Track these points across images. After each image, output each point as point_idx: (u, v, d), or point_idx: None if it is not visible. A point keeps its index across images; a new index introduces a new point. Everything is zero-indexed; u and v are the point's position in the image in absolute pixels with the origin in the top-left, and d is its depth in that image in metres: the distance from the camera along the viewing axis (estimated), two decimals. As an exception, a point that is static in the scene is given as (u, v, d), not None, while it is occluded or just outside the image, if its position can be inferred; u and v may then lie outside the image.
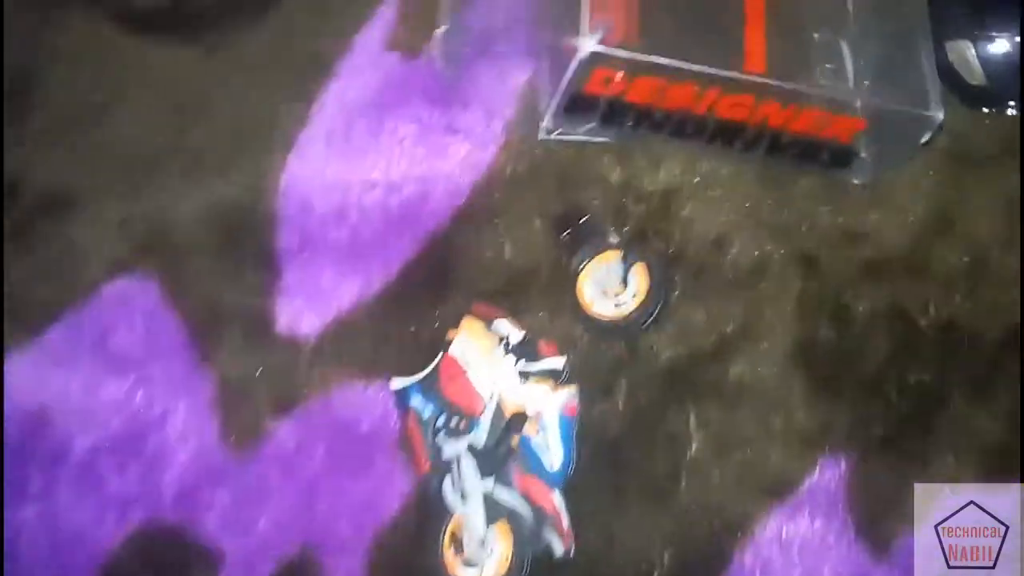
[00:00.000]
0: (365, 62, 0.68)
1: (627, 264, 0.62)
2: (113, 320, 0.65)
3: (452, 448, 0.58)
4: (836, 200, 0.65)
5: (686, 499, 0.60)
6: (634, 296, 0.61)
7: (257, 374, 0.63)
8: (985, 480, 0.61)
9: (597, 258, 0.62)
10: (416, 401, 0.59)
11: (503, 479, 0.58)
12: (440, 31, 0.60)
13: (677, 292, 0.63)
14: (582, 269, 0.62)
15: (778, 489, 0.60)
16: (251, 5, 0.70)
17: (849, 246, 0.65)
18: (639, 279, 0.62)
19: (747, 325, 0.62)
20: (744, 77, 0.59)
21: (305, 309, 0.64)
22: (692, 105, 0.61)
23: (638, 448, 0.61)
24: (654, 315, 0.61)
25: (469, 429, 0.58)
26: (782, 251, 0.64)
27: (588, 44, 0.56)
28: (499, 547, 0.57)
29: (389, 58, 0.68)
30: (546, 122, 0.64)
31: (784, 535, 0.59)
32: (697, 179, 0.65)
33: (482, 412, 0.58)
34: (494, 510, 0.58)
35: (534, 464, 0.58)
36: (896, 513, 0.60)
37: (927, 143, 0.62)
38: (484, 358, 0.59)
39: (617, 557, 0.60)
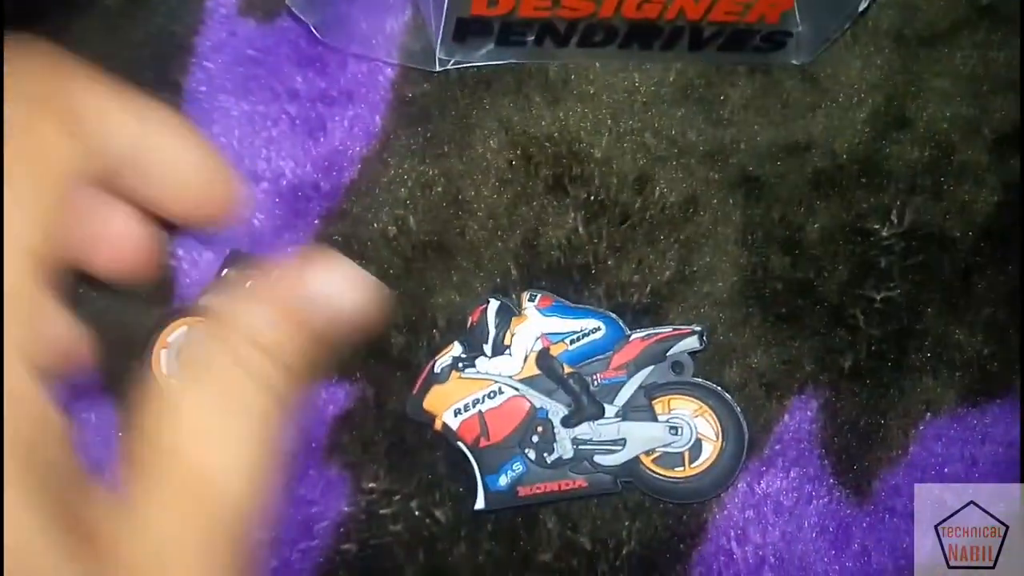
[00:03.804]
0: (224, 35, 0.60)
1: None
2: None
3: (563, 441, 0.52)
4: (774, 111, 0.57)
5: (645, 471, 0.55)
6: None
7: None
8: (969, 398, 0.55)
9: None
10: (508, 478, 0.52)
11: (611, 395, 0.51)
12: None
13: (604, 246, 0.56)
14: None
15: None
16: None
17: (794, 159, 0.57)
18: None
19: (684, 269, 0.56)
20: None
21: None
22: (595, 11, 0.53)
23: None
24: None
25: (546, 425, 0.52)
26: (717, 177, 0.57)
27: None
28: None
29: (246, 26, 0.60)
30: (439, 52, 0.56)
31: (758, 493, 0.53)
32: (610, 110, 0.57)
33: (526, 411, 0.52)
34: (638, 409, 0.52)
35: (591, 351, 0.53)
36: (876, 449, 0.54)
37: (865, 11, 0.54)
38: (467, 395, 0.53)
39: (582, 537, 0.55)
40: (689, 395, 0.52)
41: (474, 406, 0.52)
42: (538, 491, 0.52)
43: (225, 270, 0.56)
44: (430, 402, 0.53)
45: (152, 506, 0.18)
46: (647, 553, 0.53)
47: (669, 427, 0.51)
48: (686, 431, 0.51)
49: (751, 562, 0.53)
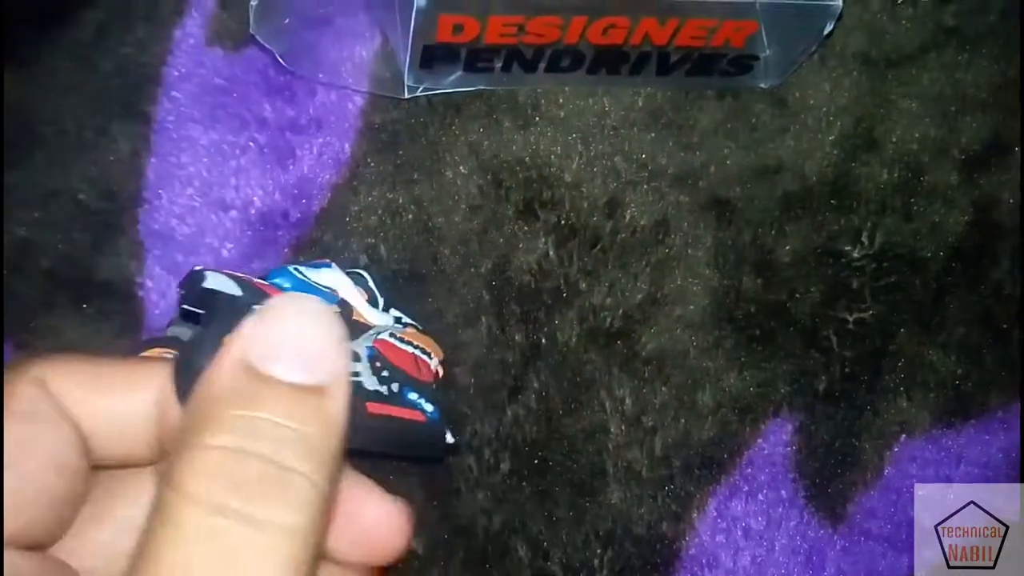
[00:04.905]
0: (192, 65, 0.60)
1: None
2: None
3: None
4: (744, 135, 0.57)
5: (616, 496, 0.54)
6: None
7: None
8: (943, 419, 0.55)
9: None
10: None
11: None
12: (253, 3, 0.51)
13: (576, 269, 0.55)
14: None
15: (715, 468, 0.54)
16: (47, 7, 0.60)
17: (764, 181, 0.57)
18: None
19: (656, 292, 0.55)
20: (607, -1, 0.51)
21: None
22: (561, 37, 0.54)
23: (558, 448, 0.55)
24: None
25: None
26: (687, 200, 0.57)
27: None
28: None
29: (214, 55, 0.60)
30: (407, 80, 0.56)
31: (729, 518, 0.53)
32: (580, 135, 0.57)
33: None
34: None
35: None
36: (850, 471, 0.54)
37: (830, 34, 0.54)
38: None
39: (553, 566, 0.54)
40: None
41: None
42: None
43: (194, 300, 0.56)
44: None
45: None
46: (622, 581, 0.53)
47: None
48: None
49: (728, 588, 0.53)
